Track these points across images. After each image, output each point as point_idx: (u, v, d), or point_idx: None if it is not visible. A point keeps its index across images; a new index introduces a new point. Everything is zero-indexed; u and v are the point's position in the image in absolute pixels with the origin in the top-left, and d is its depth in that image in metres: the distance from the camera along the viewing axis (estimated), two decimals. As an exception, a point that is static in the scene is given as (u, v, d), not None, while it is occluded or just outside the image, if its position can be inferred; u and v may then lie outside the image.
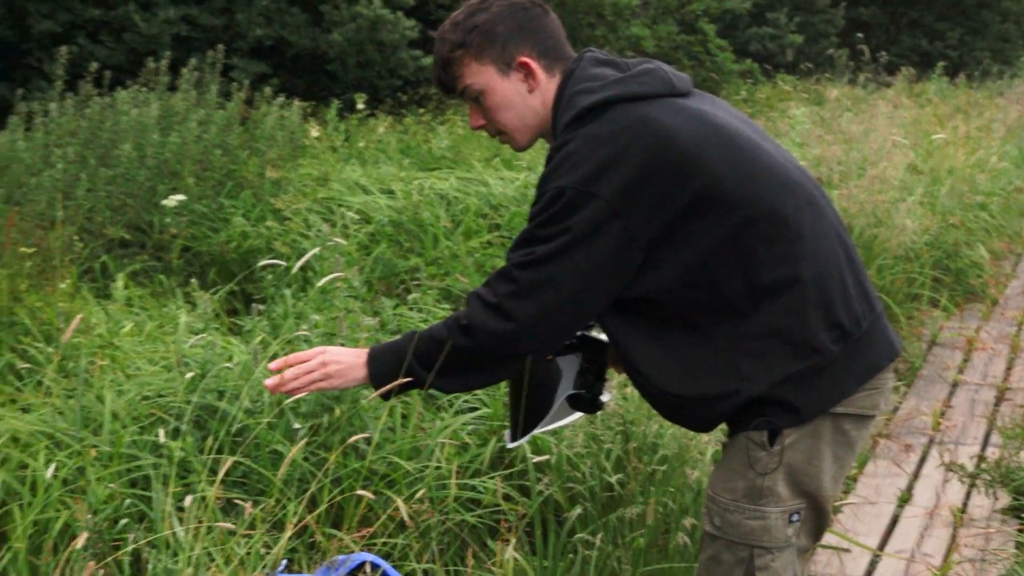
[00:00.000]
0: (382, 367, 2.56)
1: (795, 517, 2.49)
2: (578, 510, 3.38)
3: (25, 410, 3.93)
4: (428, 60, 11.99)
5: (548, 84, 2.57)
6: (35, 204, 6.54)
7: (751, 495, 2.49)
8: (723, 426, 2.56)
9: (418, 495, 3.40)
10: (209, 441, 3.41)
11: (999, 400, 6.18)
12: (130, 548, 2.99)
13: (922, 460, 5.32)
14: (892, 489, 4.95)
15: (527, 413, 2.73)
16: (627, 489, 3.42)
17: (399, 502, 3.17)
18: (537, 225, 2.40)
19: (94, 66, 8.67)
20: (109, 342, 4.63)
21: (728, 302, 2.44)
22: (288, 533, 2.92)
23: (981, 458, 5.26)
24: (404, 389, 2.57)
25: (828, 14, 23.69)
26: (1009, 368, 6.70)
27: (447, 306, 5.48)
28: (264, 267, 5.71)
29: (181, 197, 6.61)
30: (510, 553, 3.03)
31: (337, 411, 3.59)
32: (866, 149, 7.72)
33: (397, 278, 6.50)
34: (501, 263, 2.55)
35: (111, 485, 3.29)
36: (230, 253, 6.75)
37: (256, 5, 12.43)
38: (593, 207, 2.33)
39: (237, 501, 3.02)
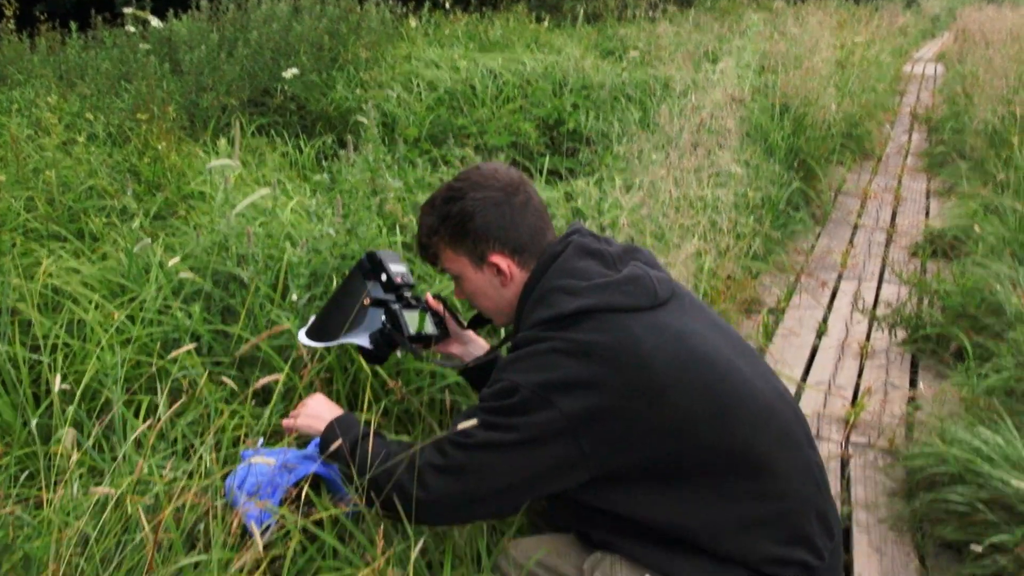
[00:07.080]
0: (332, 436, 1.49)
1: None
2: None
3: (104, 257, 2.70)
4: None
5: (522, 276, 1.47)
6: (191, 75, 5.21)
7: None
8: None
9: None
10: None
11: (888, 241, 4.76)
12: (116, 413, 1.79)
13: (834, 295, 3.96)
14: (812, 322, 3.62)
15: (322, 321, 1.72)
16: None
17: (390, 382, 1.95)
18: (486, 410, 1.34)
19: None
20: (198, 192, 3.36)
21: (685, 532, 1.34)
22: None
23: (878, 298, 3.91)
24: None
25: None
26: (894, 214, 5.24)
27: (478, 159, 4.11)
28: (356, 123, 4.66)
29: (295, 71, 5.24)
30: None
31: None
32: (802, 47, 6.01)
33: (450, 131, 5.10)
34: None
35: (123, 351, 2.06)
36: (332, 112, 5.39)
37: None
38: (547, 416, 1.27)
39: (224, 380, 1.77)
